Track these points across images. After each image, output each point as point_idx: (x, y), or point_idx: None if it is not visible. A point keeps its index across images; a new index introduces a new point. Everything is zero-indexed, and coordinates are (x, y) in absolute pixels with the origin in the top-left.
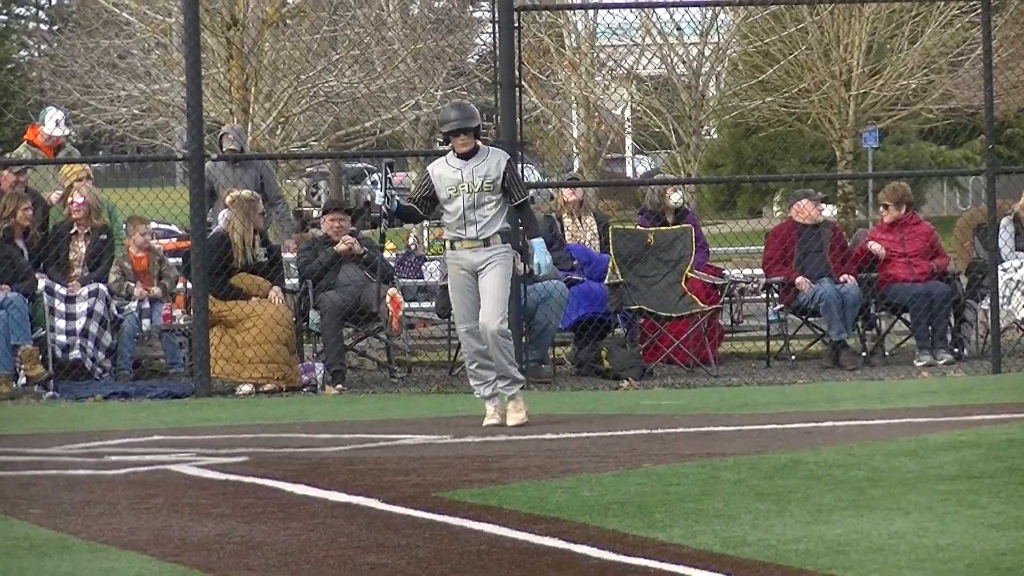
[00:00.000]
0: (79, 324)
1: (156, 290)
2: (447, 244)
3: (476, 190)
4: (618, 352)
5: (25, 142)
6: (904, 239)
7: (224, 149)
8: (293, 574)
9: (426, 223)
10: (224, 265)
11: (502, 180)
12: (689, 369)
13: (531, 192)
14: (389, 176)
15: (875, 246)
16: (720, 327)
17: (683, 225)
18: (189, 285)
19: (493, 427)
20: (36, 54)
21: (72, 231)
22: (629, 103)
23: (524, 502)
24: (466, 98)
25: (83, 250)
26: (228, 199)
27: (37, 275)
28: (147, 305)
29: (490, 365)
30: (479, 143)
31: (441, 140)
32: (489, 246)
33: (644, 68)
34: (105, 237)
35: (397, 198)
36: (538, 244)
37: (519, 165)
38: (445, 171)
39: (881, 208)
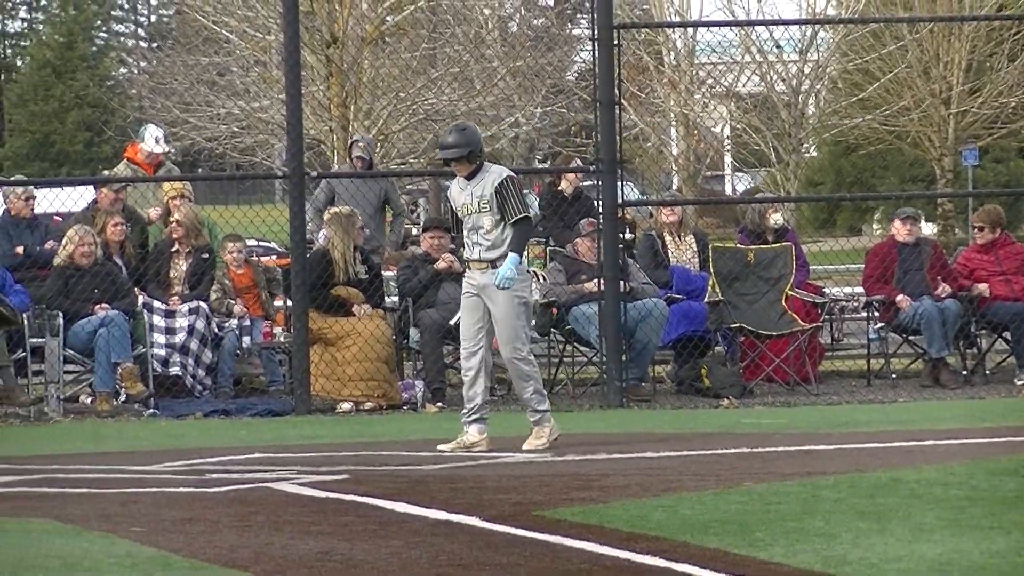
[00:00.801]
0: (179, 341)
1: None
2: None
3: (474, 211)
4: (718, 370)
5: (125, 160)
6: (999, 258)
7: (353, 157)
8: None
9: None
10: (324, 282)
11: (496, 200)
12: (789, 388)
13: (532, 212)
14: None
15: (981, 286)
16: (820, 345)
17: (783, 243)
18: (289, 303)
19: (464, 449)
20: (136, 71)
21: (173, 249)
22: (728, 121)
23: (625, 520)
24: (565, 116)
25: (184, 268)
26: (327, 215)
27: (137, 293)
28: (247, 323)
29: (474, 392)
30: (483, 163)
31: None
32: (496, 268)
33: (743, 86)
34: (206, 256)
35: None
36: (510, 258)
37: (619, 184)
38: (455, 191)
39: (975, 230)
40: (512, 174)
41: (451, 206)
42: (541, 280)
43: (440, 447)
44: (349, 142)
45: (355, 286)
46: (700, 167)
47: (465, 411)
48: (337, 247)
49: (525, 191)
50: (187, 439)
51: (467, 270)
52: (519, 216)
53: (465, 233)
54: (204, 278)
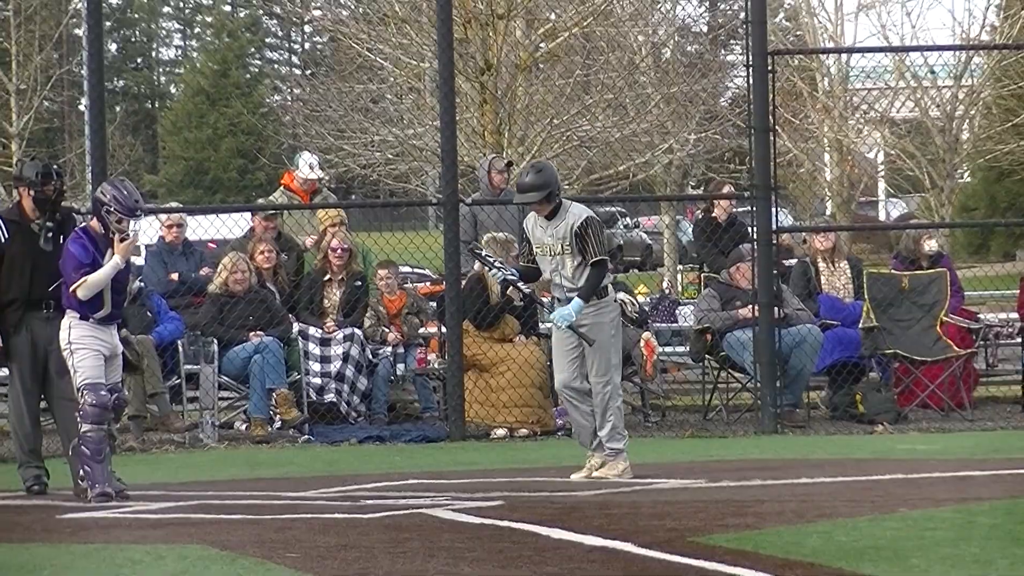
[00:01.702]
0: (334, 368)
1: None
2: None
3: (557, 252)
4: (873, 396)
5: (281, 187)
6: None
7: (495, 174)
8: None
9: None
10: (479, 309)
11: (577, 243)
12: (944, 413)
13: (616, 243)
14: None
15: None
16: (975, 371)
17: (938, 269)
18: (444, 329)
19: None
20: (289, 99)
21: (326, 278)
22: (882, 146)
23: (779, 547)
24: (719, 142)
25: (337, 296)
26: (484, 240)
27: (291, 319)
28: (402, 349)
29: (580, 423)
30: (562, 202)
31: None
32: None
33: (897, 111)
34: (360, 283)
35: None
36: (575, 303)
37: (774, 209)
38: (535, 229)
39: None
40: (592, 215)
41: (526, 239)
42: (632, 305)
43: (572, 476)
44: (488, 161)
45: (510, 313)
46: (854, 193)
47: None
48: (489, 273)
49: (609, 230)
50: (342, 465)
51: (556, 303)
52: (597, 258)
53: (546, 270)
54: (358, 305)
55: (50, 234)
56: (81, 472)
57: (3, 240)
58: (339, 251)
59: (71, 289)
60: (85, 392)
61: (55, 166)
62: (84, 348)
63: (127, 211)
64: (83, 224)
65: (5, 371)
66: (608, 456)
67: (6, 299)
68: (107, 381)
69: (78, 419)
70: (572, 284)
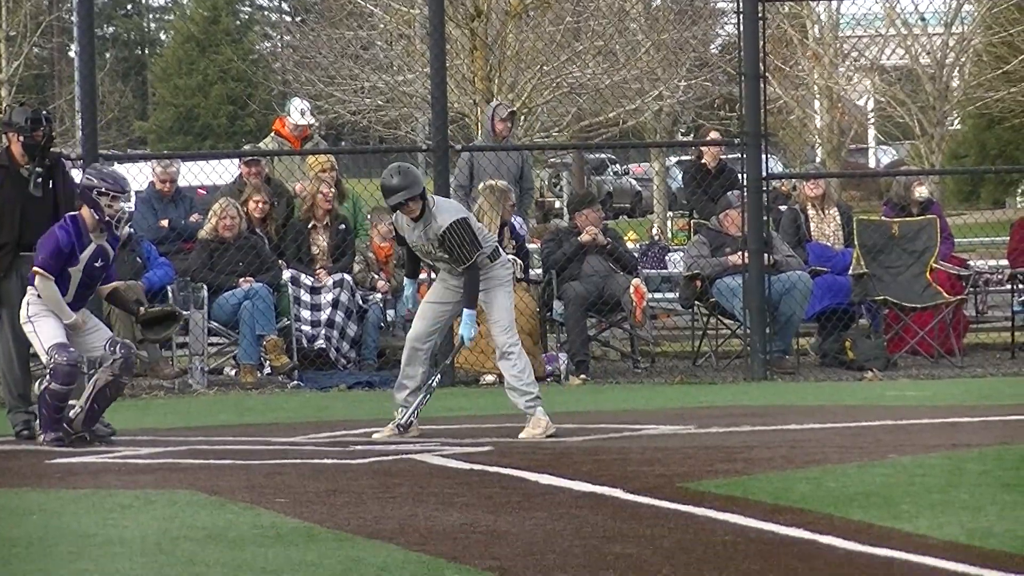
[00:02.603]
0: (324, 315)
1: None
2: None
3: (431, 250)
4: (862, 343)
5: (272, 133)
6: None
7: (497, 122)
8: (538, 564)
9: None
10: None
11: (444, 247)
12: (934, 360)
13: (486, 246)
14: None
15: None
16: (965, 318)
17: (928, 216)
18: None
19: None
20: (279, 45)
21: (311, 225)
22: (872, 94)
23: (769, 493)
24: (709, 89)
25: (324, 242)
26: (482, 187)
27: (281, 266)
28: (391, 296)
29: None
30: (429, 202)
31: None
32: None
33: (888, 59)
34: (344, 227)
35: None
36: (467, 315)
37: (764, 156)
38: (406, 227)
39: None
40: (458, 219)
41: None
42: (519, 267)
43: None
44: (492, 109)
45: None
46: (844, 140)
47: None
48: (484, 219)
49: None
50: (331, 411)
51: (444, 277)
52: (466, 265)
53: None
54: (345, 250)
55: (39, 180)
56: (36, 415)
57: None
58: (329, 195)
59: (32, 269)
60: (54, 353)
61: (44, 112)
62: (42, 316)
63: (119, 188)
64: (74, 213)
65: None
66: (528, 409)
67: None
68: (90, 349)
69: (47, 377)
70: (457, 277)
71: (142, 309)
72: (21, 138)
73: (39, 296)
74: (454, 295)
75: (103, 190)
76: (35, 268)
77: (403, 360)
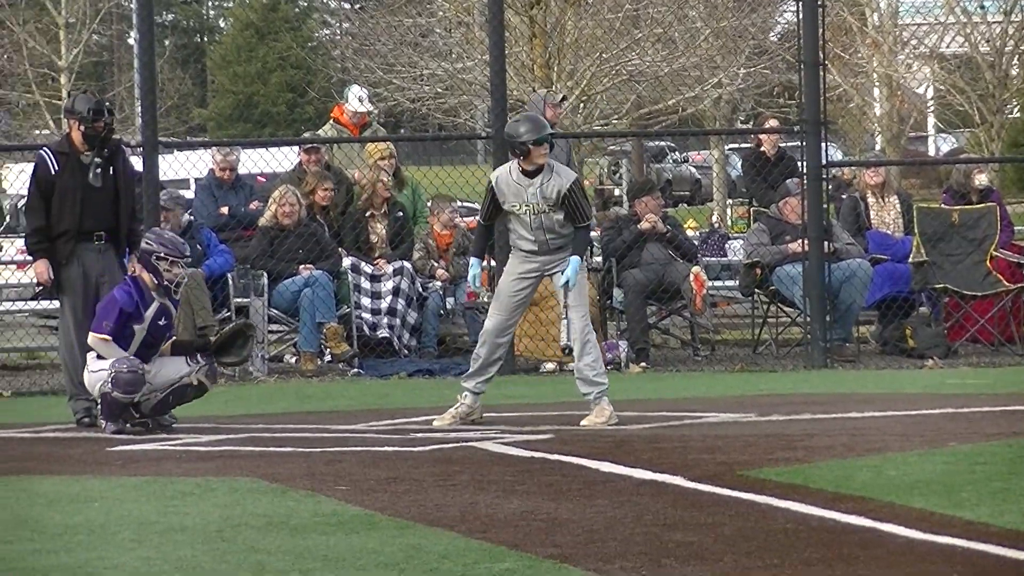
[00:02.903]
0: (385, 302)
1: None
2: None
3: (540, 211)
4: (923, 331)
5: (331, 120)
6: None
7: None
8: (599, 551)
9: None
10: None
11: (567, 205)
12: (994, 348)
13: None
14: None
15: None
16: None
17: (988, 204)
18: (493, 263)
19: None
20: (338, 33)
21: (368, 213)
22: (932, 82)
23: (829, 480)
24: (768, 77)
25: (382, 230)
26: None
27: (341, 253)
28: (451, 283)
29: (488, 362)
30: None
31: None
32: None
33: (947, 47)
34: (401, 214)
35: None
36: (575, 262)
37: (823, 144)
38: (511, 187)
39: None
40: (577, 177)
41: (491, 197)
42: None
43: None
44: (543, 96)
45: None
46: (903, 128)
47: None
48: None
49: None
50: (392, 399)
51: (522, 254)
52: (584, 224)
53: (519, 228)
54: (404, 238)
55: (99, 170)
56: (99, 407)
57: (54, 172)
58: (387, 183)
59: (91, 333)
60: (117, 363)
61: (107, 103)
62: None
63: (177, 253)
64: (134, 274)
65: (57, 303)
66: (595, 398)
67: (57, 231)
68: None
69: (109, 385)
70: (556, 235)
71: (212, 338)
72: (82, 127)
73: (99, 356)
74: (528, 283)
75: (162, 255)
76: (92, 334)
77: (484, 354)
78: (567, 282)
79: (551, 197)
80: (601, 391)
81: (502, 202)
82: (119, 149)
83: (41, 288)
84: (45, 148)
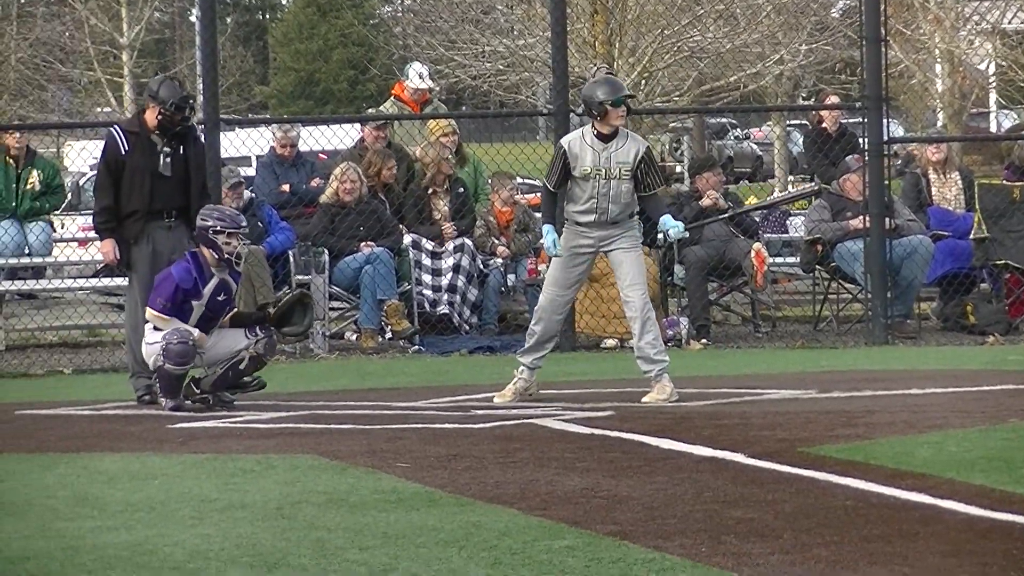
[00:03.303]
0: (446, 279)
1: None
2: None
3: (613, 177)
4: (984, 307)
5: (392, 97)
6: None
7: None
8: (659, 528)
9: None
10: None
11: (640, 167)
12: None
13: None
14: None
15: None
16: None
17: None
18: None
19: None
20: (400, 10)
21: (430, 190)
22: (994, 58)
23: (890, 457)
24: (830, 53)
25: (444, 206)
26: None
27: (402, 230)
28: (512, 260)
29: (549, 333)
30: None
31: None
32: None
33: (1009, 22)
34: (463, 190)
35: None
36: (668, 217)
37: (885, 120)
38: (586, 150)
39: None
40: (647, 144)
41: (563, 161)
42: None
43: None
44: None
45: None
46: (965, 104)
47: (539, 356)
48: None
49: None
50: (453, 376)
51: (575, 227)
52: (655, 190)
53: (585, 194)
54: (466, 214)
55: (168, 159)
56: (157, 384)
57: (124, 152)
58: (450, 161)
59: (147, 308)
60: (168, 335)
61: (192, 99)
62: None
63: (234, 225)
64: (194, 250)
65: (118, 280)
66: (656, 375)
67: (126, 210)
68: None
69: (161, 357)
70: (623, 207)
71: (271, 310)
72: (160, 116)
73: (155, 328)
74: (582, 259)
75: (219, 228)
76: (149, 309)
77: (539, 330)
78: (674, 229)
79: (628, 161)
80: (662, 368)
81: (573, 168)
82: (190, 129)
83: (104, 266)
84: (116, 126)
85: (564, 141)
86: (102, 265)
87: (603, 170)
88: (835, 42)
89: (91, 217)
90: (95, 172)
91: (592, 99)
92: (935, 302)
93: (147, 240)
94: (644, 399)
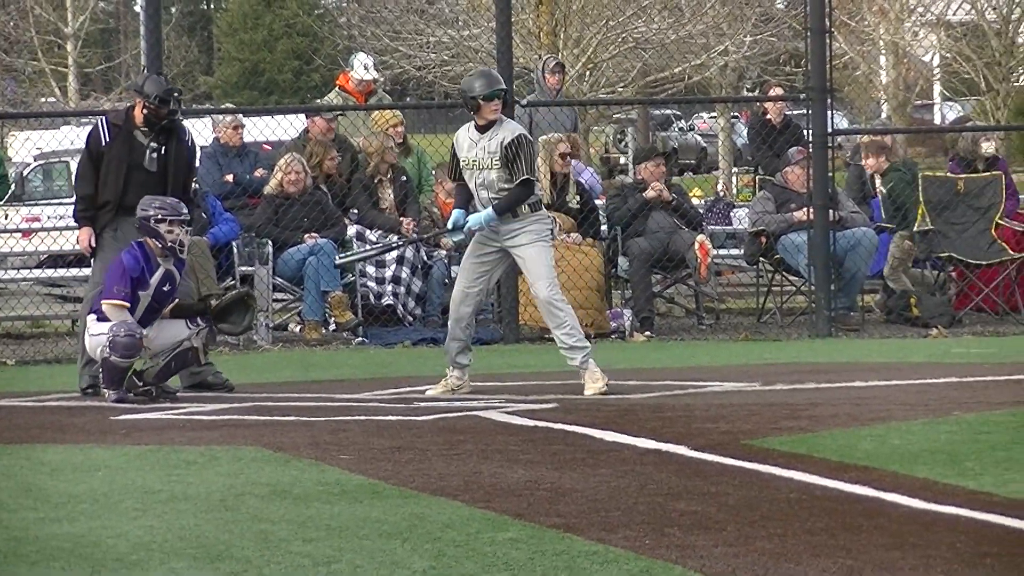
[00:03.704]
0: (389, 271)
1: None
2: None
3: (485, 167)
4: (927, 300)
5: (337, 88)
6: None
7: (547, 75)
8: (603, 521)
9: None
10: None
11: (507, 157)
12: (999, 317)
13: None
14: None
15: None
16: None
17: (993, 172)
18: None
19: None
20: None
21: (376, 180)
22: (938, 49)
23: (834, 450)
24: (774, 44)
25: (390, 196)
26: (540, 141)
27: (347, 221)
28: (456, 251)
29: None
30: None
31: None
32: (516, 217)
33: (954, 14)
34: (406, 179)
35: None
36: (487, 215)
37: (829, 112)
38: (465, 143)
39: None
40: (525, 133)
41: (453, 155)
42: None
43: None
44: (542, 63)
45: (567, 214)
46: (910, 96)
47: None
48: (541, 171)
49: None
50: (396, 367)
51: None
52: (523, 177)
53: (471, 185)
54: (410, 203)
55: (154, 155)
56: (101, 376)
57: (104, 143)
58: (394, 150)
59: (103, 300)
60: (115, 327)
61: (176, 92)
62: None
63: (175, 213)
64: (140, 240)
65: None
66: (582, 363)
67: (101, 200)
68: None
69: (108, 349)
70: (499, 198)
71: (213, 302)
72: (146, 109)
73: (98, 319)
74: (487, 251)
75: (160, 217)
76: (106, 300)
77: (450, 324)
78: (464, 227)
79: (495, 151)
80: (585, 355)
81: (460, 160)
82: (175, 126)
83: (47, 257)
84: (102, 118)
85: (456, 134)
86: (45, 256)
87: (478, 160)
88: (780, 33)
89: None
90: (37, 164)
91: (466, 92)
92: (879, 294)
93: (114, 231)
94: (586, 392)
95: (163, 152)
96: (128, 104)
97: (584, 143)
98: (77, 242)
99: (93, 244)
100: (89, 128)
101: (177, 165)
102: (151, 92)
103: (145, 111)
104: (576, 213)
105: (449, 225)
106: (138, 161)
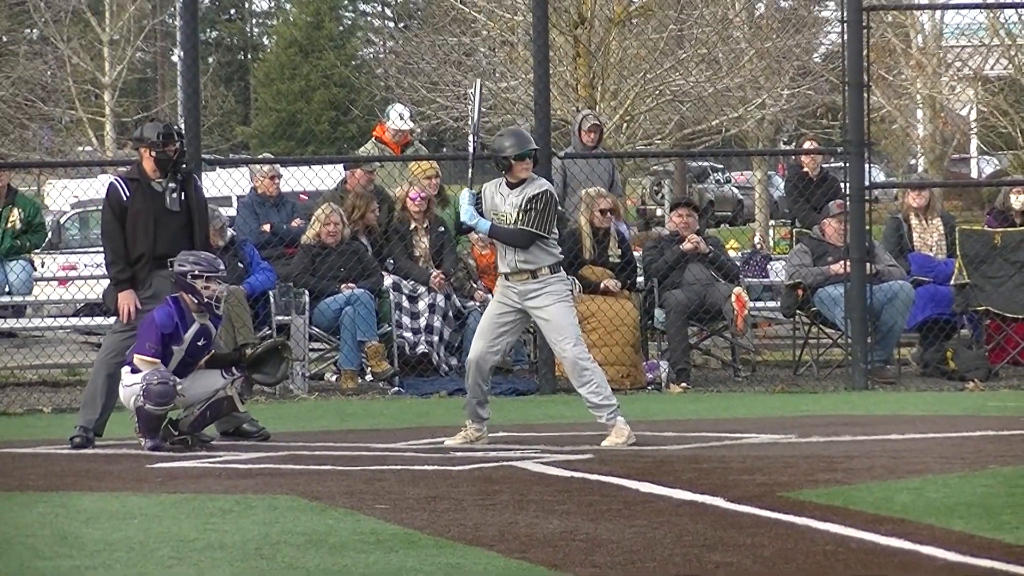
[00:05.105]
0: (423, 320)
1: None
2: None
3: (513, 222)
4: (964, 353)
5: (374, 138)
6: None
7: (584, 132)
8: (639, 572)
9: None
10: (570, 262)
11: (527, 206)
12: None
13: (554, 235)
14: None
15: None
16: None
17: None
18: None
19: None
20: (382, 51)
21: (411, 227)
22: (975, 103)
23: (869, 502)
24: (811, 97)
25: (425, 245)
26: (581, 195)
27: (383, 272)
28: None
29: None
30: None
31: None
32: (537, 278)
33: (991, 68)
34: (443, 229)
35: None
36: (481, 223)
37: (866, 165)
38: (494, 198)
39: None
40: (551, 191)
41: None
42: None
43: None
44: (578, 120)
45: (607, 267)
46: (947, 150)
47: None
48: (583, 225)
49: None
50: (432, 417)
51: (503, 281)
52: (531, 229)
53: (500, 244)
54: (444, 251)
55: (174, 195)
56: (136, 425)
57: (126, 197)
58: (416, 200)
59: (135, 355)
60: (148, 375)
61: (176, 127)
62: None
63: (212, 269)
64: (175, 295)
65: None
66: (608, 419)
67: (134, 255)
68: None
69: (141, 398)
70: (523, 257)
71: (248, 351)
72: (153, 153)
73: (133, 371)
74: (507, 310)
75: (196, 273)
76: (137, 355)
77: (468, 384)
78: (467, 211)
79: (523, 204)
80: (612, 412)
81: (486, 211)
82: (190, 176)
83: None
84: (116, 178)
85: (483, 188)
86: (81, 304)
87: (506, 215)
88: (817, 87)
89: (105, 268)
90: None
91: (497, 152)
92: (915, 348)
93: (150, 287)
94: (604, 444)
95: (183, 198)
96: (135, 160)
97: (621, 196)
98: (115, 308)
99: (138, 306)
100: None
101: (199, 209)
102: (152, 135)
103: (153, 155)
104: (614, 266)
105: (462, 200)
106: (161, 207)
